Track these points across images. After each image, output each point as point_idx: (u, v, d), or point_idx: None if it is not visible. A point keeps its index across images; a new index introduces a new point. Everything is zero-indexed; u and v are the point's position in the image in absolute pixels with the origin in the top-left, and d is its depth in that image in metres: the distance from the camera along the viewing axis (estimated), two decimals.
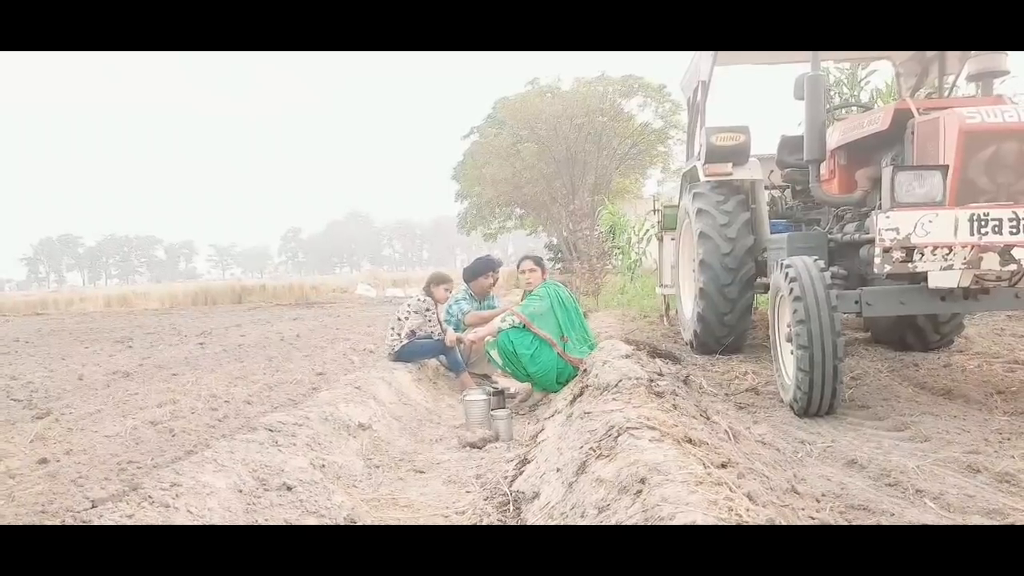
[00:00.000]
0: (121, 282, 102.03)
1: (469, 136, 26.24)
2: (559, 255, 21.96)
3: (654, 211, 9.02)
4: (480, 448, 3.92)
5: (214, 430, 4.36)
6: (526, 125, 21.79)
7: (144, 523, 2.19)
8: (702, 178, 6.00)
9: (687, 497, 1.91)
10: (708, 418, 3.48)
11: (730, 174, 5.90)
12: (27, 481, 3.36)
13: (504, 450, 3.88)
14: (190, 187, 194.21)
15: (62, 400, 5.60)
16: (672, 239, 7.49)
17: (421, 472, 3.54)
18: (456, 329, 5.89)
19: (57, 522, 2.62)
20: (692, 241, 6.12)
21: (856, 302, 3.93)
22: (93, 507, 2.29)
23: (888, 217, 3.48)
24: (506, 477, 3.23)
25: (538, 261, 5.42)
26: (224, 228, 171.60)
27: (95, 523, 2.09)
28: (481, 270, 6.21)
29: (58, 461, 3.71)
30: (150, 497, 2.33)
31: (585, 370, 4.43)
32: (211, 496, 2.52)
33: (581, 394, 3.96)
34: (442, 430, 4.50)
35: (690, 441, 2.61)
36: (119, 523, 2.13)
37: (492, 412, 4.29)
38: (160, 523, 2.23)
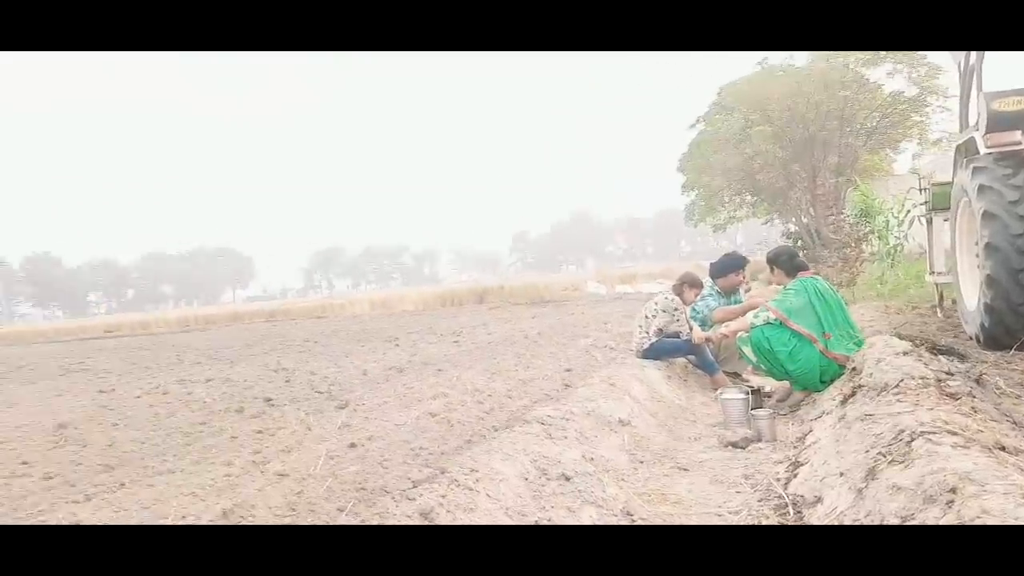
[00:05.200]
0: (378, 287, 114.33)
1: (695, 126, 25.50)
2: (799, 243, 20.53)
3: (920, 190, 8.09)
4: (742, 448, 3.85)
5: (483, 421, 4.76)
6: (757, 108, 20.66)
7: (454, 503, 2.49)
8: (982, 150, 5.30)
9: (1016, 511, 1.74)
10: (1015, 423, 3.09)
11: (1019, 143, 5.14)
12: (344, 461, 3.95)
13: (769, 451, 3.77)
14: (432, 196, 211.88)
15: (354, 392, 6.46)
16: (945, 220, 6.69)
17: (685, 470, 3.57)
18: (702, 326, 5.81)
19: (378, 497, 3.07)
20: (973, 222, 5.42)
21: None
22: (414, 487, 2.65)
23: None
24: (778, 479, 3.15)
25: (776, 260, 5.12)
26: (460, 233, 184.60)
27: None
28: (731, 267, 6.07)
29: (363, 446, 4.30)
30: (456, 481, 2.64)
31: (854, 368, 4.14)
32: (503, 483, 2.79)
33: (853, 394, 3.71)
34: (699, 428, 4.49)
35: (1003, 448, 2.35)
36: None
37: (752, 412, 4.18)
38: (466, 505, 2.52)
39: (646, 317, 5.83)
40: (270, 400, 6.28)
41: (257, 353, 12.04)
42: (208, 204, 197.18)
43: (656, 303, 5.80)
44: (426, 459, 3.85)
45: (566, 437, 3.42)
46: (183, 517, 3.07)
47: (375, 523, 2.37)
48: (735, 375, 5.76)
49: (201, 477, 3.78)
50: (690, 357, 5.84)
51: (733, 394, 4.37)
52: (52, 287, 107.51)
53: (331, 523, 1.99)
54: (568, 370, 6.60)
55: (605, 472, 3.26)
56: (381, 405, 5.68)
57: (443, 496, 2.49)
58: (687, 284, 5.70)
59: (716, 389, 5.25)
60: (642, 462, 3.62)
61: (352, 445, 4.30)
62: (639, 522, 2.80)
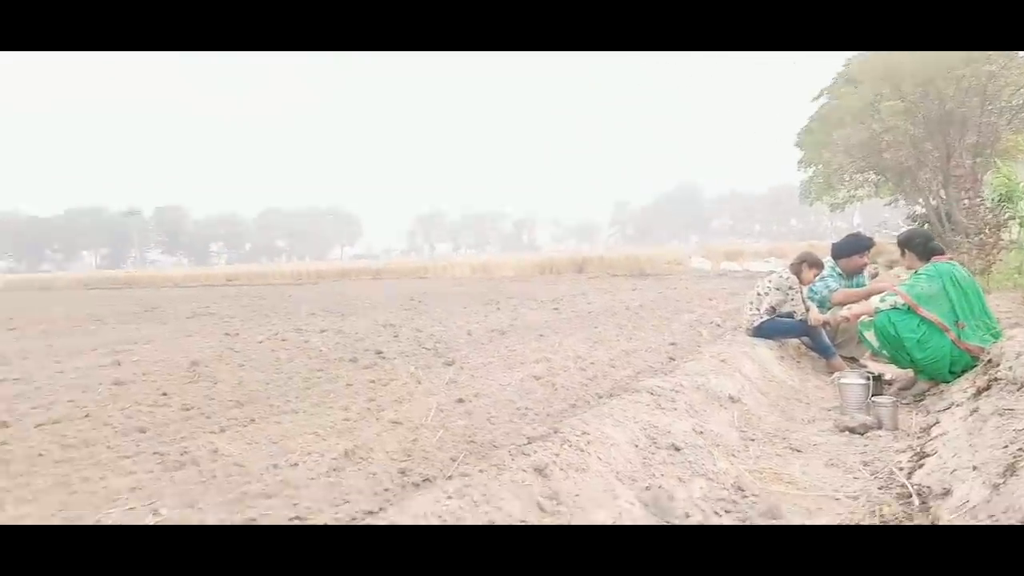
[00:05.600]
0: (477, 252, 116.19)
1: (818, 99, 24.11)
2: (926, 226, 19.17)
3: None
4: (860, 434, 3.70)
5: (587, 388, 4.79)
6: (888, 82, 19.25)
7: (567, 462, 2.54)
8: None
9: None
10: None
11: None
12: (453, 415, 4.09)
13: (890, 439, 3.61)
14: (531, 163, 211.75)
15: (459, 351, 6.64)
16: None
17: (798, 451, 3.48)
18: (819, 308, 5.58)
19: (488, 451, 3.18)
20: None
21: None
22: (528, 443, 2.72)
23: None
24: (901, 468, 3.02)
25: (909, 242, 4.82)
26: (559, 202, 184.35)
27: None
28: (857, 248, 5.74)
29: (470, 401, 4.44)
30: (568, 441, 2.69)
31: (990, 361, 3.88)
32: (614, 447, 2.81)
33: (988, 388, 3.50)
34: (813, 411, 4.34)
35: None
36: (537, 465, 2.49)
37: (872, 398, 4.00)
38: (578, 464, 2.57)
39: (758, 294, 5.64)
40: (381, 353, 6.55)
41: (365, 308, 12.56)
42: (321, 165, 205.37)
43: (770, 281, 5.60)
44: (532, 419, 3.94)
45: (676, 409, 3.40)
46: (308, 454, 3.29)
47: (484, 474, 2.44)
48: (852, 360, 5.52)
49: (322, 419, 4.03)
50: (804, 339, 5.63)
51: (853, 379, 4.19)
52: (179, 237, 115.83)
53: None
54: (673, 344, 6.52)
55: (715, 446, 3.23)
56: (486, 365, 5.81)
57: (556, 454, 2.54)
58: (807, 263, 5.45)
59: (831, 373, 5.05)
60: (753, 440, 3.55)
61: (460, 400, 4.45)
62: (750, 498, 2.76)
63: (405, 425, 3.82)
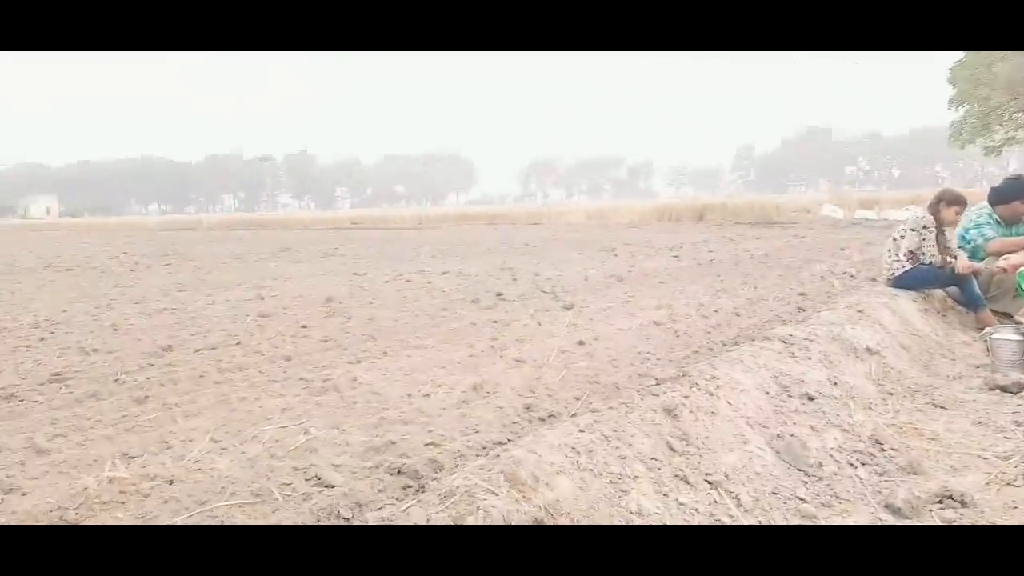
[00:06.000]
0: (590, 198, 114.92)
1: None
2: None
3: None
4: (1014, 393, 3.43)
5: (710, 336, 4.70)
6: None
7: (696, 405, 2.53)
8: None
9: None
10: None
11: None
12: (574, 357, 4.15)
13: None
14: (650, 106, 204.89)
15: (577, 296, 6.67)
16: None
17: (942, 407, 3.28)
18: (971, 257, 5.13)
19: (612, 391, 3.21)
20: None
21: None
22: (657, 384, 2.72)
23: None
24: None
25: None
26: (677, 147, 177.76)
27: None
28: (1020, 193, 5.19)
29: (591, 344, 4.47)
30: (697, 384, 2.67)
31: None
32: (743, 393, 2.77)
33: None
34: (959, 367, 4.06)
35: None
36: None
37: None
38: (707, 408, 2.55)
39: (894, 240, 5.25)
40: (501, 295, 6.69)
41: (483, 252, 12.82)
42: (439, 113, 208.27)
43: (905, 223, 5.19)
44: (654, 363, 3.93)
45: (809, 358, 3.28)
46: (439, 386, 3.45)
47: (614, 411, 2.47)
48: (1005, 316, 5.07)
49: (449, 355, 4.20)
50: (950, 289, 5.22)
51: (1007, 334, 3.87)
52: (306, 181, 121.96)
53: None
54: (802, 294, 6.24)
55: (851, 398, 3.10)
56: (605, 310, 5.82)
57: (686, 396, 2.53)
58: (945, 201, 4.96)
59: (981, 328, 4.68)
60: (891, 394, 3.38)
61: (581, 343, 4.49)
62: (889, 451, 2.65)
63: (528, 364, 3.92)
